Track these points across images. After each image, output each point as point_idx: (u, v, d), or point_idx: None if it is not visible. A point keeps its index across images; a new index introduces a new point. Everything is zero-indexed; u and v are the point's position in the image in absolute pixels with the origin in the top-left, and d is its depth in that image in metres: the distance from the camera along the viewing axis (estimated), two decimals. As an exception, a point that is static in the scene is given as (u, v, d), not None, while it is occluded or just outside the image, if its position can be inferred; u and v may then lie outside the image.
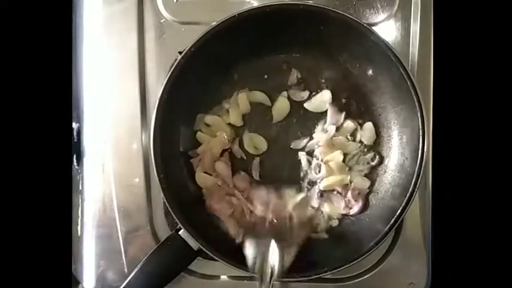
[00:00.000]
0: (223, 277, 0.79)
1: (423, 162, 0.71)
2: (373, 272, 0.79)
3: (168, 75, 0.71)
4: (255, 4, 0.78)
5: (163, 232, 0.79)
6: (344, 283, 0.79)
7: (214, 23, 0.71)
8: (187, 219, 0.72)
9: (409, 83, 0.71)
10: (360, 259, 0.71)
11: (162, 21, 0.80)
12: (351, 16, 0.72)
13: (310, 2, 0.79)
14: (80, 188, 0.81)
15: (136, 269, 0.73)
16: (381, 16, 0.80)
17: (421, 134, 0.72)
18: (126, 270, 0.79)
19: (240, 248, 0.72)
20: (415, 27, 0.80)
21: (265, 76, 0.80)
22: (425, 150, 0.71)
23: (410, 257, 0.79)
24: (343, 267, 0.71)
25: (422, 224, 0.79)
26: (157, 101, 0.72)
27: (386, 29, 0.80)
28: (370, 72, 0.78)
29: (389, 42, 0.78)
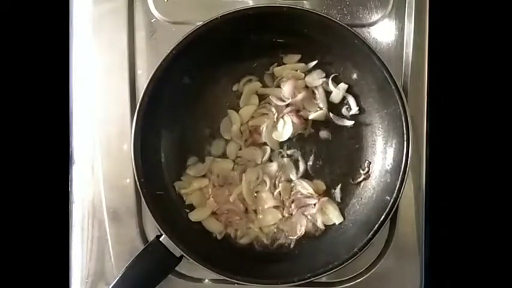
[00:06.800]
0: (212, 280, 0.78)
1: (407, 168, 0.71)
2: (365, 276, 0.78)
3: (150, 77, 0.71)
4: (250, 3, 0.78)
5: (153, 234, 0.78)
6: (336, 287, 0.78)
7: (199, 23, 0.71)
8: (168, 225, 0.72)
9: (393, 87, 0.71)
10: (343, 265, 0.70)
11: (152, 20, 0.80)
12: (333, 19, 0.72)
13: (304, 1, 0.79)
14: (69, 190, 0.80)
15: (117, 277, 0.72)
16: (375, 16, 0.79)
17: (405, 138, 0.71)
18: (114, 272, 0.78)
19: (223, 254, 0.71)
20: (409, 28, 0.79)
21: (250, 78, 0.80)
22: (409, 155, 0.71)
23: (403, 261, 0.78)
24: (326, 274, 0.70)
25: (416, 227, 0.78)
26: (139, 103, 0.71)
27: (381, 29, 0.79)
28: (354, 76, 0.78)
29: (383, 43, 0.78)
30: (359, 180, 0.79)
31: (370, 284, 0.78)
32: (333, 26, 0.71)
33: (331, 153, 0.79)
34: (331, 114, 0.78)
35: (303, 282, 0.71)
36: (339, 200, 0.79)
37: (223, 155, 0.80)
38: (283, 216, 0.79)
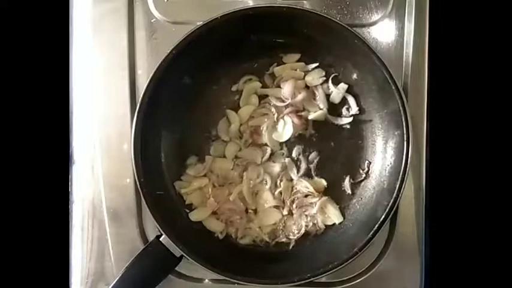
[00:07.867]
0: (212, 280, 0.78)
1: (407, 168, 0.71)
2: (365, 276, 0.78)
3: (150, 77, 0.71)
4: (250, 3, 0.78)
5: (153, 234, 0.78)
6: (336, 287, 0.78)
7: (199, 23, 0.71)
8: (168, 225, 0.72)
9: (393, 87, 0.71)
10: (343, 265, 0.71)
11: (152, 20, 0.80)
12: (333, 19, 0.72)
13: (304, 1, 0.79)
14: (69, 190, 0.80)
15: (117, 277, 0.73)
16: (375, 16, 0.79)
17: (405, 138, 0.71)
18: (114, 272, 0.78)
19: (223, 254, 0.71)
20: (409, 28, 0.79)
21: (250, 78, 0.80)
22: (409, 155, 0.71)
23: (403, 261, 0.78)
24: (326, 274, 0.71)
25: (416, 227, 0.78)
26: (139, 103, 0.72)
27: (381, 29, 0.79)
28: (354, 76, 0.78)
29: (383, 43, 0.79)
30: (359, 180, 0.79)
31: (370, 284, 0.78)
32: (333, 26, 0.72)
33: (331, 154, 0.79)
34: (329, 116, 0.79)
35: (303, 282, 0.71)
36: (349, 192, 0.79)
37: (223, 155, 0.80)
38: (284, 216, 0.79)
